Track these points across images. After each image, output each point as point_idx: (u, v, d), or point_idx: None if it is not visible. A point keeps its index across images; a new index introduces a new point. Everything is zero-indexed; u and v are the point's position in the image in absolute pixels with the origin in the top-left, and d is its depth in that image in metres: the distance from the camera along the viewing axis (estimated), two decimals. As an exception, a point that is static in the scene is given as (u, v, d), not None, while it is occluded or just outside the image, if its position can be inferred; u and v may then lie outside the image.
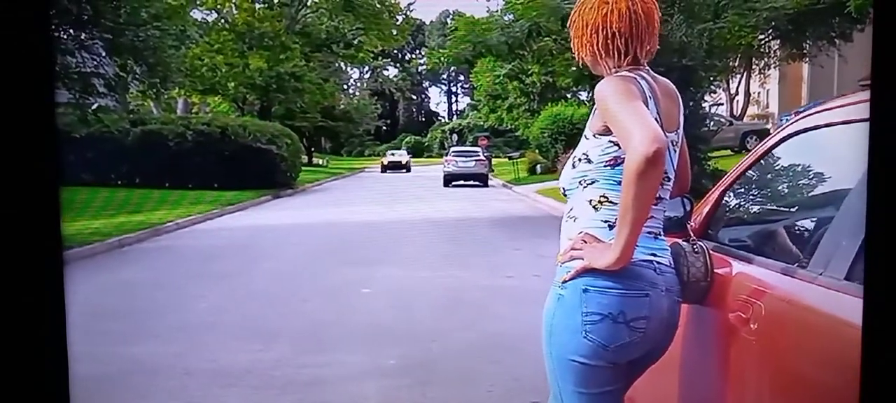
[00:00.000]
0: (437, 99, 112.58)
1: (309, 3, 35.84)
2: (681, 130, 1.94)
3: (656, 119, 1.77)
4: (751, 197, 2.53)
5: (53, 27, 10.23)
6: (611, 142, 1.80)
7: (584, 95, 23.92)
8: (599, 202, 1.83)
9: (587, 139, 1.86)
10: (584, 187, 1.84)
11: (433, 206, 17.05)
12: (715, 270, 1.96)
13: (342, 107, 47.49)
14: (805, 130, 2.02)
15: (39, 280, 0.70)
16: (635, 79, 1.81)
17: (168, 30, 11.62)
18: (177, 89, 24.01)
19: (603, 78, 1.85)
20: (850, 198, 1.64)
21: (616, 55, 1.85)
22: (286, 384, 4.06)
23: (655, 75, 1.89)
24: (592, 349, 1.78)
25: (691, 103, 14.34)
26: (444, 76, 79.53)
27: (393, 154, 43.57)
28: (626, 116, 1.68)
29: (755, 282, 1.90)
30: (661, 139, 1.62)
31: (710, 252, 1.98)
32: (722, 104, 22.55)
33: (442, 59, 18.03)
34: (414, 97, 68.27)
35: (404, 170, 40.25)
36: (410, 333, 5.15)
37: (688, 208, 2.20)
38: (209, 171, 19.60)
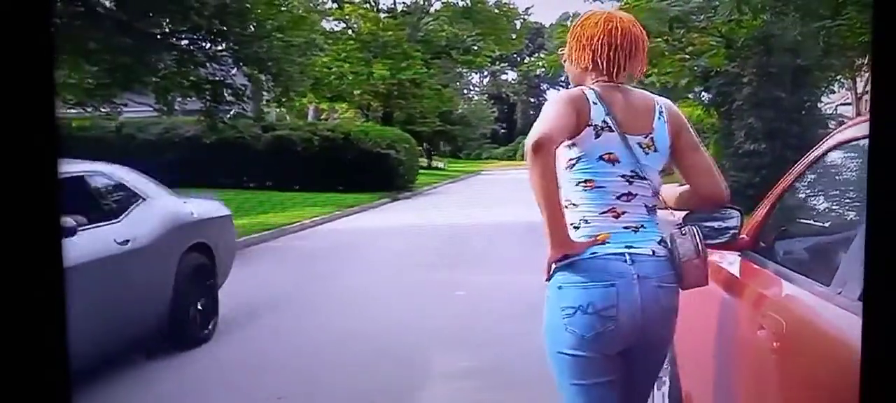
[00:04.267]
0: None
1: (430, 12, 36.98)
2: (658, 136, 2.04)
3: (606, 123, 1.97)
4: (796, 209, 2.46)
5: (187, 39, 11.41)
6: (565, 146, 1.99)
7: (700, 96, 23.39)
8: (565, 207, 1.99)
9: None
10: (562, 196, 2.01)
11: (527, 209, 17.13)
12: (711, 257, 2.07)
13: (460, 111, 48.42)
14: (857, 139, 1.91)
15: (40, 280, 0.68)
16: (581, 91, 2.01)
17: (291, 41, 12.45)
18: (307, 97, 25.53)
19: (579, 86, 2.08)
20: None
21: (602, 67, 2.05)
22: (382, 381, 4.34)
23: (628, 89, 2.07)
24: (573, 340, 1.93)
25: (807, 103, 13.89)
26: (562, 78, 78.93)
27: None
28: (538, 120, 1.94)
29: (781, 298, 1.91)
30: (543, 134, 1.85)
31: (700, 233, 2.07)
32: (849, 104, 21.38)
33: (560, 62, 18.25)
34: (532, 100, 68.25)
35: None
36: (504, 336, 5.23)
37: (736, 220, 2.27)
38: (333, 175, 20.78)
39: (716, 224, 2.28)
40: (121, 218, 4.56)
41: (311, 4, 19.31)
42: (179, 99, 12.47)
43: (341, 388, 4.33)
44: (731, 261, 2.44)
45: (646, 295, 1.94)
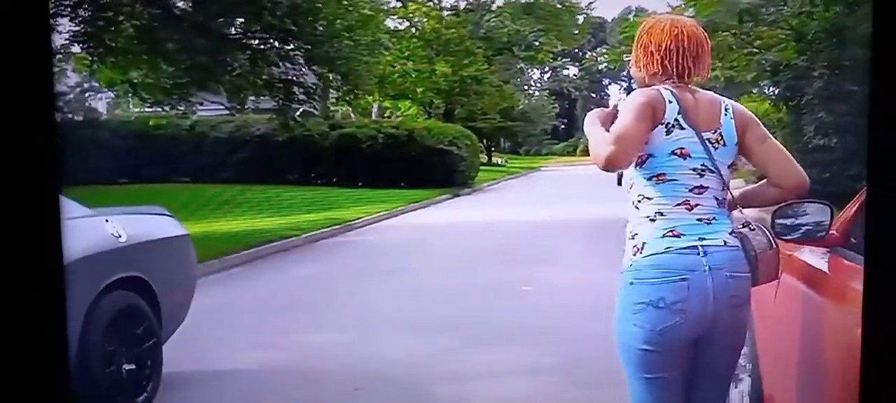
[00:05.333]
0: (616, 96, 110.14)
1: (492, 8, 37.04)
2: (725, 131, 2.11)
3: (677, 121, 2.05)
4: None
5: (259, 39, 11.83)
6: None
7: (767, 90, 22.86)
8: (639, 202, 2.10)
9: None
10: (629, 191, 2.13)
11: (604, 207, 16.90)
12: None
13: (521, 107, 48.32)
14: None
15: (40, 280, 0.68)
16: (658, 91, 2.08)
17: (360, 41, 12.77)
18: (372, 95, 25.99)
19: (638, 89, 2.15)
20: None
21: (672, 71, 2.11)
22: (448, 375, 4.41)
23: (696, 89, 2.15)
24: (643, 334, 2.01)
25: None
26: (624, 73, 77.82)
27: None
28: (617, 124, 2.03)
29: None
30: (618, 153, 1.96)
31: (769, 229, 2.18)
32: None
33: (622, 57, 18.14)
34: (593, 95, 67.50)
35: None
36: (573, 333, 5.25)
37: (827, 215, 2.31)
38: (397, 171, 21.14)
39: (803, 219, 2.31)
40: None
41: (376, 3, 19.62)
42: (252, 98, 12.93)
43: (421, 379, 4.40)
44: (820, 258, 2.42)
45: (717, 286, 1.99)
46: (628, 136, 1.98)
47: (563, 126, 63.26)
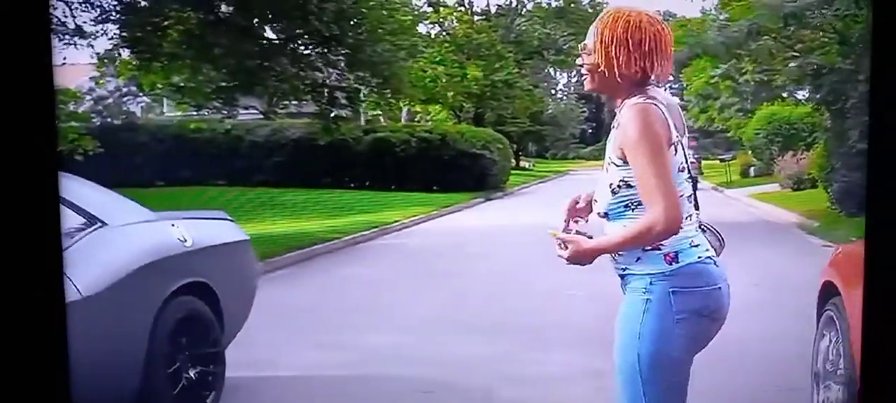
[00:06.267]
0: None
1: (523, 13, 37.05)
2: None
3: (677, 138, 1.94)
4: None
5: (303, 44, 11.98)
6: None
7: (800, 94, 22.63)
8: None
9: (617, 166, 1.95)
10: (633, 209, 1.96)
11: None
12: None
13: (549, 111, 48.22)
14: None
15: (40, 280, 0.67)
16: (662, 114, 1.91)
17: (401, 45, 12.91)
18: (404, 100, 26.14)
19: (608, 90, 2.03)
20: None
21: (651, 74, 1.94)
22: (511, 378, 4.43)
23: (660, 92, 2.00)
24: (684, 344, 1.96)
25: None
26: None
27: None
28: (659, 177, 1.85)
29: None
30: (680, 217, 1.86)
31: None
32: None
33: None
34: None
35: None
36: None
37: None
38: (429, 175, 21.24)
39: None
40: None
41: (409, 8, 19.77)
42: (294, 102, 13.08)
43: (486, 382, 4.41)
44: None
45: (729, 296, 2.02)
46: (675, 196, 1.87)
47: (590, 130, 62.97)
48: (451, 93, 31.31)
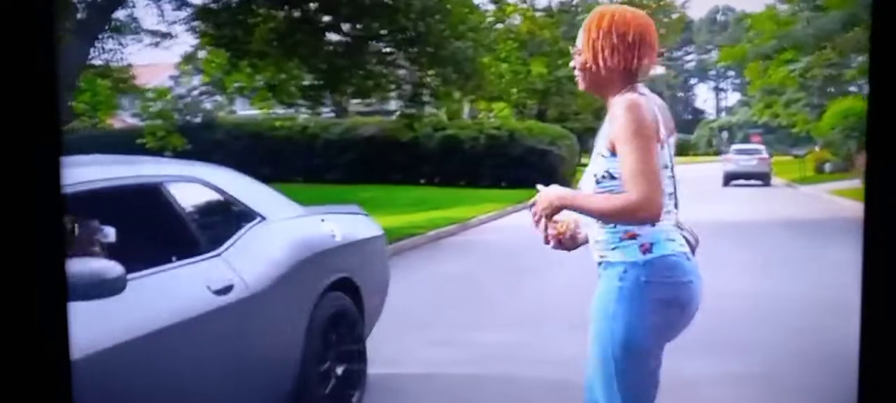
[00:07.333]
0: (703, 96, 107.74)
1: (584, 9, 36.75)
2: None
3: (666, 138, 1.99)
4: None
5: (386, 41, 12.18)
6: None
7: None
8: None
9: (604, 157, 1.99)
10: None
11: (717, 208, 16.48)
12: None
13: (614, 107, 47.69)
14: None
15: (40, 279, 0.67)
16: (652, 109, 1.96)
17: (482, 41, 13.02)
18: (472, 98, 26.27)
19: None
20: None
21: (635, 69, 1.99)
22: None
23: (650, 93, 2.05)
24: (656, 331, 2.01)
25: None
26: (712, 72, 75.69)
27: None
28: (645, 163, 1.87)
29: None
30: (661, 204, 1.88)
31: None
32: None
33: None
34: (681, 94, 65.90)
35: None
36: (727, 341, 5.20)
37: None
38: (498, 171, 21.35)
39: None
40: (220, 250, 2.99)
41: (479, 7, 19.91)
42: (366, 101, 13.32)
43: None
44: None
45: (700, 291, 2.06)
46: (657, 183, 1.89)
47: (652, 125, 62.04)
48: (516, 90, 31.30)
